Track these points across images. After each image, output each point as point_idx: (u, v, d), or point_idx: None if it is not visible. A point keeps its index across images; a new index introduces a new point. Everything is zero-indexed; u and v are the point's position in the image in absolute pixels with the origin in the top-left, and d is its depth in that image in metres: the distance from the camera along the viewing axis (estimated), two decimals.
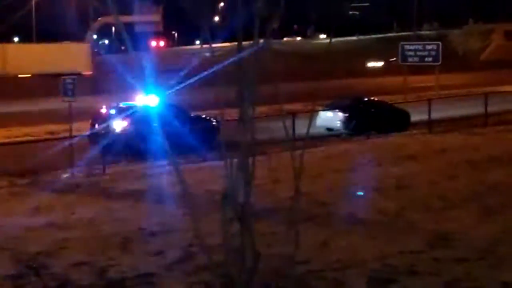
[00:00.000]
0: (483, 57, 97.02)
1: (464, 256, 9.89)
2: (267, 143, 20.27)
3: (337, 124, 31.70)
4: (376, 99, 36.93)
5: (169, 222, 12.45)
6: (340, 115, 31.68)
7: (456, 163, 19.05)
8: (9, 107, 43.37)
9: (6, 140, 29.68)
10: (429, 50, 49.92)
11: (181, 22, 76.83)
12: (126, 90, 29.13)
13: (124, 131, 25.27)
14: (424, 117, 31.02)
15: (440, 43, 51.17)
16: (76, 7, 67.55)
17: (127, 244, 11.28)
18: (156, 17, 61.58)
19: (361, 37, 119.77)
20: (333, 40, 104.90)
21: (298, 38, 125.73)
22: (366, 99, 35.92)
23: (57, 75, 29.59)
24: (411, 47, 50.78)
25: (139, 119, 24.24)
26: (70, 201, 16.01)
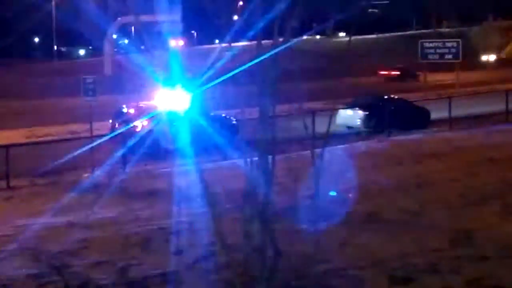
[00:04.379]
0: (503, 54, 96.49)
1: (486, 255, 9.83)
2: (287, 141, 20.26)
3: (357, 122, 31.67)
4: (396, 97, 36.86)
5: (189, 221, 12.46)
6: (360, 113, 31.66)
7: (477, 161, 18.96)
8: None
9: (27, 140, 29.85)
10: (449, 47, 49.65)
11: (201, 22, 76.95)
12: (146, 89, 29.21)
13: (144, 130, 25.34)
14: (445, 114, 30.93)
15: (460, 40, 50.92)
16: (96, 7, 67.82)
17: (148, 244, 11.30)
18: (175, 16, 61.59)
19: (380, 35, 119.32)
20: (353, 38, 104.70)
21: (318, 37, 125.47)
22: (386, 97, 35.87)
23: None
24: (431, 45, 50.53)
25: (159, 118, 24.30)
26: (91, 201, 16.05)
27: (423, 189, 15.43)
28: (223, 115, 28.96)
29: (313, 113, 23.86)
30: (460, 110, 33.15)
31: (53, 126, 35.78)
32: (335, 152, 20.73)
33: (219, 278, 8.87)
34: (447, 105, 31.02)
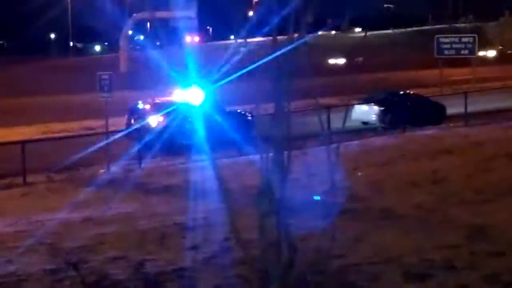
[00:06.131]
0: None
1: (503, 250, 9.78)
2: (302, 137, 20.24)
3: (373, 117, 31.65)
4: (411, 92, 36.79)
5: (205, 216, 12.48)
6: (376, 108, 31.62)
7: (493, 156, 18.87)
8: None
9: (43, 136, 29.98)
10: (465, 42, 49.46)
11: (216, 17, 76.97)
12: (161, 85, 29.28)
13: (160, 126, 25.39)
14: (461, 110, 30.82)
15: (476, 35, 50.71)
16: (112, 3, 67.94)
17: (163, 239, 11.32)
18: (190, 12, 61.63)
19: (396, 30, 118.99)
20: (368, 33, 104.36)
21: (333, 32, 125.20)
22: (401, 92, 35.81)
23: None
24: (447, 40, 50.36)
25: (174, 114, 24.34)
26: (107, 197, 16.11)
27: (439, 185, 15.38)
28: (239, 110, 28.97)
29: (328, 108, 23.87)
30: (476, 105, 33.01)
31: (69, 122, 35.92)
32: (351, 148, 20.70)
33: (235, 274, 8.88)
34: (462, 101, 30.90)
